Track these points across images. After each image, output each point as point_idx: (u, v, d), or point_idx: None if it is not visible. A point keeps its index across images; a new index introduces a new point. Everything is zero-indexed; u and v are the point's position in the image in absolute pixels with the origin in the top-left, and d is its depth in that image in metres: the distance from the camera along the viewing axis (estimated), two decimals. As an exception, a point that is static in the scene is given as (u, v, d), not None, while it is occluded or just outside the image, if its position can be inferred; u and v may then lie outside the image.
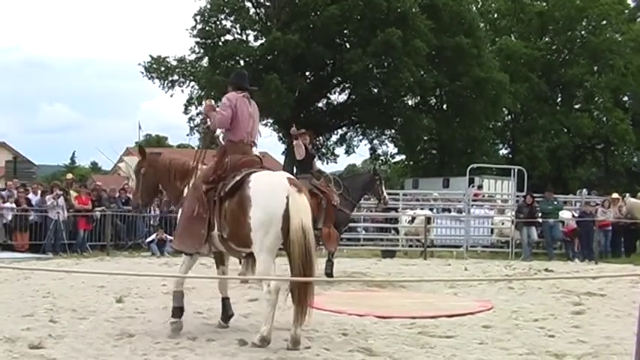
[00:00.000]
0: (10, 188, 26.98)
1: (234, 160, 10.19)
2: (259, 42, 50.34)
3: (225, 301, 10.79)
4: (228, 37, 50.55)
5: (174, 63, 52.76)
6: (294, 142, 18.03)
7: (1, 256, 21.78)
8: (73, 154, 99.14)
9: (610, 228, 27.55)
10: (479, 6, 60.86)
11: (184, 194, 10.66)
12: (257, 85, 43.83)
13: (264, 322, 9.59)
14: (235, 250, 10.20)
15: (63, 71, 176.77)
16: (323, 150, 55.04)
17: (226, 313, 10.77)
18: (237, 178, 9.80)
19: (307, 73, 51.96)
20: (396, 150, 60.72)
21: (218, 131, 10.75)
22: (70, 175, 33.90)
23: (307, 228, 9.53)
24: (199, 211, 10.00)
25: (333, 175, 19.10)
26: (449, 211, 32.12)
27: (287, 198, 9.46)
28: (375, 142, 58.45)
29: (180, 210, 10.63)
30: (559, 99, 62.05)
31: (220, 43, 49.69)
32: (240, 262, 10.66)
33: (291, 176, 10.29)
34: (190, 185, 10.58)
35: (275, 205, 9.44)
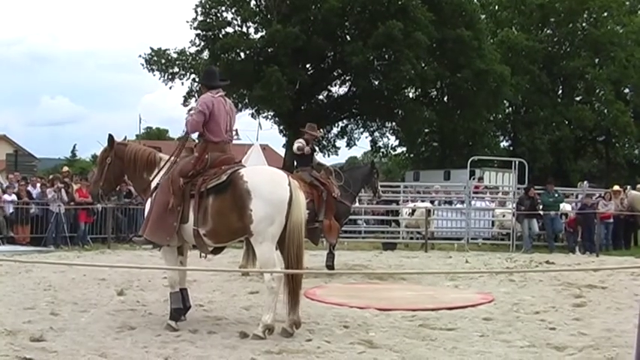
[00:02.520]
0: (11, 181, 27.02)
1: (214, 158, 10.31)
2: (260, 34, 50.23)
3: (184, 292, 10.76)
4: (229, 29, 50.44)
5: (175, 55, 52.63)
6: (299, 141, 18.02)
7: (2, 249, 21.82)
8: (74, 147, 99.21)
9: (611, 220, 27.56)
10: (480, -2, 60.78)
11: (152, 185, 10.67)
12: (257, 78, 43.86)
13: (266, 311, 9.71)
14: (206, 245, 10.27)
15: (65, 64, 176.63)
16: (324, 142, 54.94)
17: (185, 305, 10.72)
18: (224, 176, 9.91)
19: (308, 66, 51.82)
20: (397, 142, 60.68)
21: (195, 135, 10.76)
22: (65, 168, 33.88)
23: (302, 222, 9.93)
24: (173, 204, 10.05)
25: (333, 167, 19.13)
26: (450, 203, 32.13)
27: (290, 188, 9.66)
28: (376, 134, 58.36)
29: (148, 201, 10.63)
30: (560, 91, 61.90)
31: (221, 36, 49.55)
32: (201, 256, 10.63)
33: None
34: (160, 177, 10.59)
35: (280, 195, 9.72)
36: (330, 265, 18.13)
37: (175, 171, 10.31)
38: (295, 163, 18.58)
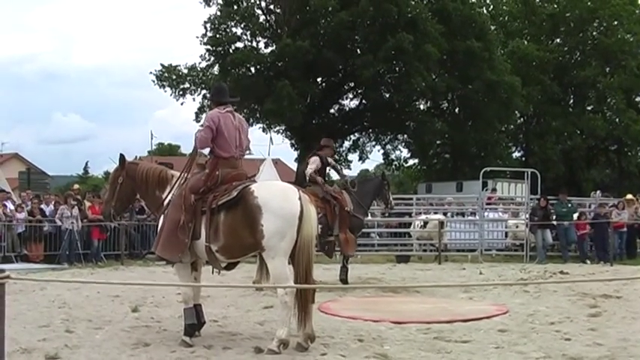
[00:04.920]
0: (23, 199, 27.09)
1: (225, 174, 10.34)
2: (270, 49, 50.29)
3: (198, 307, 10.77)
4: (239, 44, 50.49)
5: (185, 71, 52.76)
6: (312, 158, 17.95)
7: (16, 267, 21.82)
8: (87, 164, 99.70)
9: (625, 229, 27.45)
10: (490, 9, 60.72)
11: (164, 203, 10.70)
12: (268, 93, 43.92)
13: (280, 325, 9.70)
14: (219, 261, 10.32)
15: (76, 81, 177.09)
16: (336, 156, 54.96)
17: (199, 321, 10.73)
18: (234, 192, 9.93)
19: (319, 80, 51.91)
20: (409, 155, 60.68)
21: (206, 150, 10.78)
22: (76, 186, 33.99)
23: (313, 236, 9.98)
24: (185, 220, 10.07)
25: (342, 182, 19.04)
26: (463, 215, 32.06)
27: (300, 202, 9.66)
28: (388, 147, 58.38)
29: (161, 218, 10.65)
30: (571, 101, 61.74)
31: (231, 51, 49.65)
32: (215, 272, 10.66)
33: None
34: (172, 194, 10.62)
35: (291, 209, 9.74)
36: (343, 279, 18.10)
37: (186, 188, 10.34)
38: (307, 178, 18.49)
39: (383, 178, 20.19)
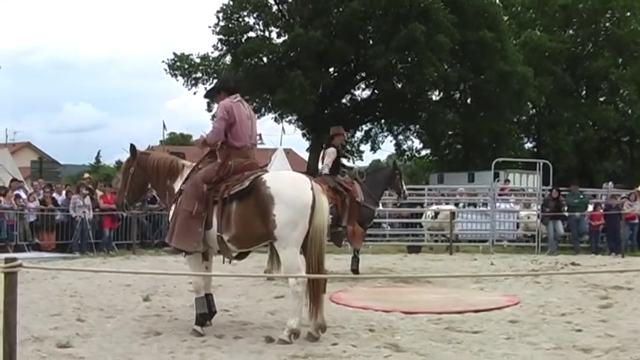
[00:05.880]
0: (36, 188, 27.15)
1: (237, 164, 10.31)
2: (282, 39, 50.36)
3: (209, 297, 10.79)
4: (251, 33, 50.56)
5: (198, 60, 52.88)
6: (329, 150, 17.90)
7: (28, 255, 21.87)
8: (98, 153, 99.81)
9: (637, 221, 27.34)
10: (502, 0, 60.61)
11: (175, 192, 10.69)
12: (280, 82, 43.98)
13: (292, 315, 9.72)
14: (230, 251, 10.31)
15: (87, 71, 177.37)
16: (348, 147, 54.95)
17: (210, 310, 10.75)
18: (246, 182, 9.91)
19: (331, 70, 51.91)
20: (421, 145, 60.67)
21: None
22: (86, 175, 34.05)
23: (325, 226, 9.96)
24: (198, 210, 10.07)
25: (352, 173, 18.96)
26: (474, 205, 32.02)
27: (313, 192, 9.67)
28: (400, 137, 58.36)
29: (172, 208, 10.64)
30: (584, 92, 61.63)
31: (243, 40, 49.71)
32: (226, 262, 10.67)
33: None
34: (183, 183, 10.62)
35: (303, 199, 9.72)
36: (355, 269, 18.07)
37: (199, 177, 10.34)
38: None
39: (394, 167, 20.08)
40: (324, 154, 18.06)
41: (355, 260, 18.19)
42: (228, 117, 10.27)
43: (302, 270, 9.62)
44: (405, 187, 19.96)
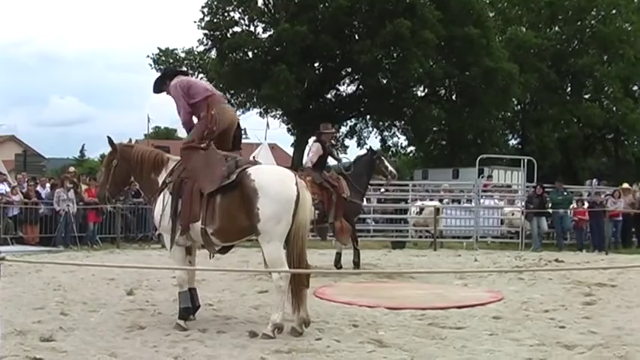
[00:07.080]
0: (19, 181, 27.06)
1: (220, 112, 10.56)
2: (267, 33, 50.29)
3: (193, 291, 10.78)
4: (237, 28, 50.46)
5: (183, 55, 52.85)
6: (315, 145, 17.93)
7: (11, 249, 21.80)
8: (83, 147, 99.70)
9: (620, 218, 27.48)
10: (488, -5, 60.71)
11: (159, 185, 10.67)
12: (265, 77, 43.79)
13: (275, 310, 9.71)
14: (214, 244, 10.29)
15: (73, 64, 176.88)
16: (332, 142, 54.88)
17: (194, 304, 10.74)
18: (232, 175, 9.91)
19: (316, 65, 51.93)
20: (406, 142, 60.77)
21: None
22: (72, 169, 33.95)
23: (307, 222, 10.07)
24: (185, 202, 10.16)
25: (338, 166, 18.93)
26: (459, 201, 32.07)
27: (297, 187, 9.69)
28: (386, 133, 58.43)
29: (158, 200, 10.57)
30: (569, 89, 61.81)
31: (228, 35, 49.63)
32: (211, 257, 10.65)
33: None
34: (168, 176, 10.61)
35: (287, 193, 9.72)
36: (356, 262, 18.12)
37: (194, 135, 10.53)
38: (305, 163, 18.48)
39: (372, 152, 20.02)
40: (310, 147, 18.10)
41: (356, 253, 18.28)
42: (183, 91, 10.63)
43: (285, 265, 9.62)
44: (391, 168, 19.74)
